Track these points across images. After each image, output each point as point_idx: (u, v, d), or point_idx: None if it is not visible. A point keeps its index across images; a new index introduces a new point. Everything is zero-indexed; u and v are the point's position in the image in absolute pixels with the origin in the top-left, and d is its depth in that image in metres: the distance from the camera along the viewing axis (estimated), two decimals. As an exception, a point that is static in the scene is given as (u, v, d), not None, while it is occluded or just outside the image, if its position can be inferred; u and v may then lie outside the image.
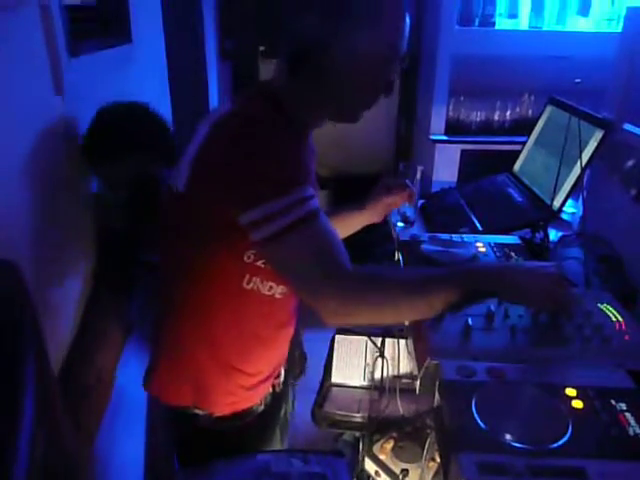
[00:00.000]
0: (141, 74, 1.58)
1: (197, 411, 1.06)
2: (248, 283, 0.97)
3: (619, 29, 2.21)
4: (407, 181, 1.34)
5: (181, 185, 0.93)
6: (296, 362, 1.35)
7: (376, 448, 1.40)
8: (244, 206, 0.84)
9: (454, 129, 2.64)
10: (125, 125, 1.17)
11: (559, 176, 1.38)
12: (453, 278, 0.90)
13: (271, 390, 1.16)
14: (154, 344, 1.12)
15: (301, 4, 0.90)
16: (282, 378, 1.20)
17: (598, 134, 1.47)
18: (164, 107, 1.93)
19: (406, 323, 1.21)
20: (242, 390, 1.07)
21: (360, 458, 1.47)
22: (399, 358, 1.35)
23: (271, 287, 0.99)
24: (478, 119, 2.64)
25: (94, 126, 1.17)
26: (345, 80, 0.93)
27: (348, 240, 1.15)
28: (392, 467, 1.36)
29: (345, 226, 1.32)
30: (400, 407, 1.24)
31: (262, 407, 1.14)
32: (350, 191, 1.38)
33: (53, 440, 0.83)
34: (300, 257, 0.85)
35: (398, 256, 1.30)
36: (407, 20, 0.93)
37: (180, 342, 1.05)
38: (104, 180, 1.25)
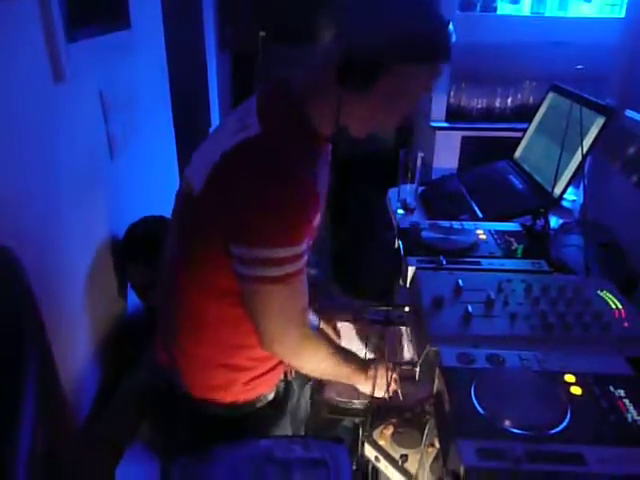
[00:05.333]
0: (140, 60, 1.57)
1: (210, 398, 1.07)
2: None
3: (622, 14, 2.20)
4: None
5: (197, 189, 0.94)
6: None
7: (376, 434, 1.41)
8: (238, 240, 0.89)
9: (455, 116, 2.62)
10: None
11: (560, 163, 1.38)
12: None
13: (282, 377, 1.17)
14: (169, 341, 1.12)
15: (372, 22, 0.88)
16: None
17: (599, 121, 1.46)
18: (163, 93, 1.92)
19: (406, 309, 1.21)
20: (252, 379, 1.09)
21: (360, 444, 1.47)
22: (399, 345, 1.35)
23: None
24: (479, 105, 2.62)
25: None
26: (391, 100, 0.93)
27: (347, 225, 1.14)
28: (392, 452, 1.37)
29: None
30: (400, 394, 1.25)
31: (272, 395, 1.15)
32: (352, 174, 1.37)
33: (54, 435, 0.84)
34: (269, 308, 0.94)
35: (398, 243, 1.30)
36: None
37: (190, 342, 1.07)
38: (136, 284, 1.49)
